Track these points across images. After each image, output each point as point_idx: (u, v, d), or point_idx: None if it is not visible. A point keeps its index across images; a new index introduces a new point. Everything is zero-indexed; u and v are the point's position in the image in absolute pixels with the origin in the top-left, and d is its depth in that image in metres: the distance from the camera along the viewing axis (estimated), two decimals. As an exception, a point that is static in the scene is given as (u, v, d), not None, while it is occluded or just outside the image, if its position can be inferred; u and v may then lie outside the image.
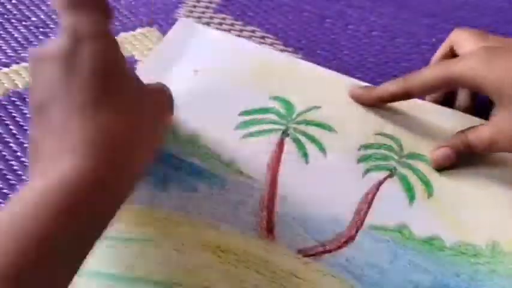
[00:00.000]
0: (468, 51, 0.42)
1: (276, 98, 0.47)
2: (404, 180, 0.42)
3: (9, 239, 0.25)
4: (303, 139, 0.44)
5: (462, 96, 0.48)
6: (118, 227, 0.38)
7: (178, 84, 0.44)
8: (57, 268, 0.26)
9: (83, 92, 0.30)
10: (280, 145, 0.44)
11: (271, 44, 0.54)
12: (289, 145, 0.44)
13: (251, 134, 0.44)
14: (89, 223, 0.28)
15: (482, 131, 0.41)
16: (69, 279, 0.27)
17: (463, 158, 0.43)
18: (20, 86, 0.50)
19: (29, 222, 0.26)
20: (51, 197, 0.27)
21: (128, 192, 0.32)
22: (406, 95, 0.44)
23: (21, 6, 0.57)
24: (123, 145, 0.30)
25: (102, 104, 0.30)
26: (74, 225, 0.27)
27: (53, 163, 0.29)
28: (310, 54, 0.54)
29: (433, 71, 0.42)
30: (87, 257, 0.29)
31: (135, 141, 0.32)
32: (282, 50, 0.54)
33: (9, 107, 0.48)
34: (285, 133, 0.45)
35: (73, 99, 0.30)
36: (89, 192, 0.28)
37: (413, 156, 0.44)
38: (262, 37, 0.55)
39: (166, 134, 0.38)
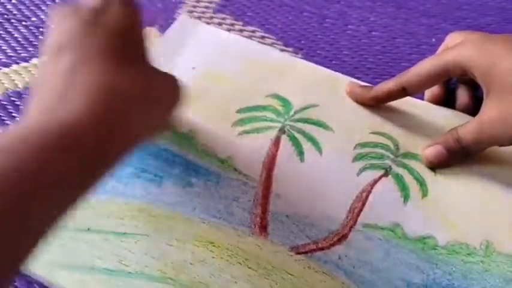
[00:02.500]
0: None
1: (273, 96, 0.49)
2: (399, 179, 0.44)
3: None
4: (299, 137, 0.46)
5: (462, 96, 0.49)
6: (112, 222, 0.41)
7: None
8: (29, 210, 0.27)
9: (101, 44, 0.33)
10: (277, 143, 0.46)
11: (271, 44, 0.56)
12: (285, 143, 0.46)
13: (248, 131, 0.47)
14: (70, 168, 0.28)
15: (470, 123, 0.43)
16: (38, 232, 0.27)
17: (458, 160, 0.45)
18: (20, 86, 0.52)
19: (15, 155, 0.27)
20: (47, 136, 0.28)
21: (115, 155, 0.32)
22: (402, 92, 0.46)
23: (21, 6, 0.59)
24: (125, 105, 0.32)
25: (115, 61, 0.33)
26: (55, 167, 0.28)
27: (56, 103, 0.31)
28: (310, 54, 0.55)
29: (427, 63, 0.44)
30: (59, 213, 0.28)
31: (137, 106, 0.33)
32: (282, 50, 0.56)
33: (9, 107, 0.50)
34: (281, 131, 0.47)
35: (91, 48, 0.33)
36: (80, 139, 0.29)
37: (409, 155, 0.46)
38: (262, 37, 0.57)
39: (169, 118, 0.40)
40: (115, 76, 0.32)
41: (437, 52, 0.49)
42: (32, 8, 0.60)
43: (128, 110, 0.32)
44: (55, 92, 0.31)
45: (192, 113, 0.47)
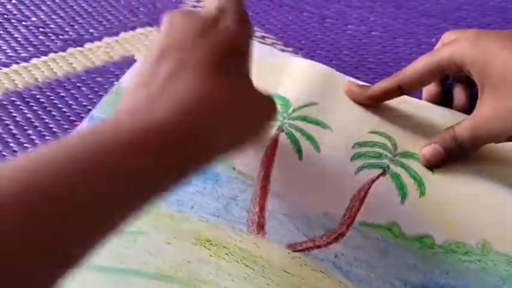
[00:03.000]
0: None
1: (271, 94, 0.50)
2: (396, 178, 0.45)
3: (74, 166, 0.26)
4: (297, 135, 0.47)
5: (458, 95, 0.50)
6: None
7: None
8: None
9: (205, 57, 0.34)
10: (275, 141, 0.47)
11: (271, 44, 0.57)
12: (283, 141, 0.47)
13: None
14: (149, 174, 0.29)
15: (466, 120, 0.44)
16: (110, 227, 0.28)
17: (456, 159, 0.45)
18: (20, 86, 0.53)
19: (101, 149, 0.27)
20: (130, 137, 0.28)
21: (195, 164, 0.32)
22: (398, 90, 0.46)
23: (21, 6, 0.61)
24: (215, 116, 0.32)
25: (215, 74, 0.33)
26: (126, 166, 0.28)
27: (147, 105, 0.31)
28: (310, 54, 0.56)
29: (423, 61, 0.45)
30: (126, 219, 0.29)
31: (227, 119, 0.33)
32: (282, 50, 0.57)
33: (9, 107, 0.51)
34: (279, 129, 0.48)
35: (194, 59, 0.33)
36: (166, 146, 0.29)
37: (407, 155, 0.46)
38: (262, 37, 0.58)
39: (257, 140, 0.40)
40: (210, 87, 0.33)
41: (433, 50, 0.49)
42: (32, 8, 0.61)
43: (217, 121, 0.32)
44: (149, 94, 0.32)
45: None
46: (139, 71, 0.34)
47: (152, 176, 0.29)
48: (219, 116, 0.32)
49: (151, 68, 0.34)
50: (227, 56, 0.34)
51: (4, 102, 0.52)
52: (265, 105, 0.37)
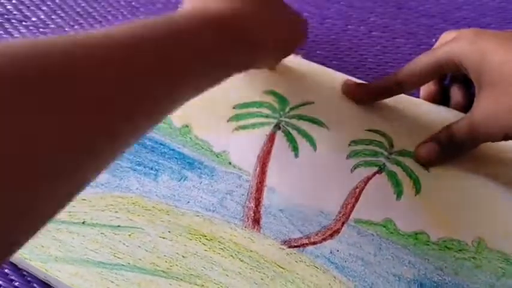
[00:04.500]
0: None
1: (270, 92, 0.52)
2: (392, 176, 0.46)
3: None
4: (294, 133, 0.49)
5: (455, 94, 0.51)
6: (107, 215, 0.43)
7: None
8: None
9: None
10: (272, 138, 0.49)
11: (271, 45, 0.59)
12: (280, 138, 0.49)
13: (243, 127, 0.49)
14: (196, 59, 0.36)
15: (463, 119, 0.45)
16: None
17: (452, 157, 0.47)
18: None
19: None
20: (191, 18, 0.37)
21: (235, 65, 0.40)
22: (397, 89, 0.48)
23: (21, 6, 0.63)
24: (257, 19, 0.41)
25: None
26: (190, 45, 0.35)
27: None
28: (310, 54, 0.58)
29: (421, 59, 0.46)
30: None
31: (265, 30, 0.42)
32: (281, 50, 0.58)
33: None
34: (277, 126, 0.49)
35: None
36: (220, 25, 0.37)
37: (403, 153, 0.48)
38: (262, 37, 0.60)
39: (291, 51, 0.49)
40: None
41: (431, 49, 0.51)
42: (32, 8, 0.63)
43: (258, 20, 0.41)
44: None
45: (188, 107, 0.50)
46: None
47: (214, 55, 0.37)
48: (259, 15, 0.41)
49: None
50: None
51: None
52: (300, 26, 0.48)
